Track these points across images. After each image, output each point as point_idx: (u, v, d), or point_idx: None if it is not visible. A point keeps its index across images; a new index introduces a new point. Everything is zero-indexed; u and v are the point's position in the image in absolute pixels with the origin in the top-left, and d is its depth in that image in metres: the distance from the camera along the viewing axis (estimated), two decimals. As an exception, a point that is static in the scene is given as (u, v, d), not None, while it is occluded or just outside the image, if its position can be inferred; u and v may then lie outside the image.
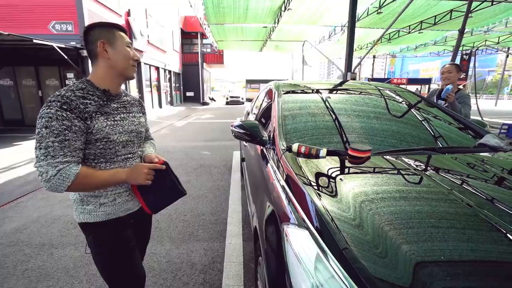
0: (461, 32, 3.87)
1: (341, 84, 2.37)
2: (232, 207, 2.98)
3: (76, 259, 2.09)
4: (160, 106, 16.19)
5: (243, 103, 22.78)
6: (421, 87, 22.96)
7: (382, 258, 0.70)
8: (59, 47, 7.03)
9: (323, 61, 17.69)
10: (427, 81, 24.20)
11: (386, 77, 28.82)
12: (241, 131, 1.69)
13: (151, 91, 14.70)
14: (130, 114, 1.11)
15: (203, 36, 19.56)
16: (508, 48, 19.72)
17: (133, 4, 11.44)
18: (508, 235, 0.75)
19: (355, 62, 7.74)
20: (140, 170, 1.01)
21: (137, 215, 1.15)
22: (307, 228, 0.85)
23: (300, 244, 0.82)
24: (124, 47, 1.03)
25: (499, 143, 1.53)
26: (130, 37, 8.26)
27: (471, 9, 10.45)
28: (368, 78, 23.56)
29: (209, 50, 24.74)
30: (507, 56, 16.98)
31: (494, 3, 9.89)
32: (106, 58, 1.00)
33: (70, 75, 8.94)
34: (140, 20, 12.12)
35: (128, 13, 11.01)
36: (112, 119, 1.01)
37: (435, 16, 12.24)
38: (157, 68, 15.71)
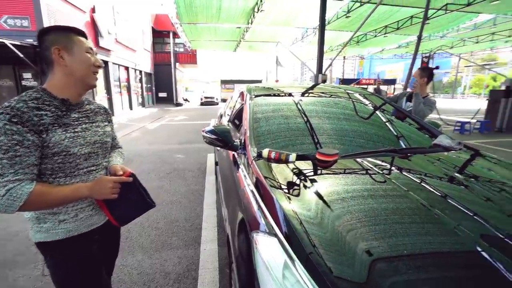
0: (419, 37, 4.16)
1: (311, 87, 2.44)
2: (207, 212, 2.94)
3: (34, 280, 1.94)
4: (131, 107, 15.52)
5: (217, 103, 22.56)
6: (387, 88, 24.35)
7: (348, 258, 0.74)
8: (13, 44, 6.45)
9: (297, 61, 18.12)
10: (393, 81, 25.75)
11: (355, 77, 30.15)
12: (213, 136, 1.67)
13: (121, 92, 14.04)
14: (94, 124, 1.04)
15: (176, 35, 19.03)
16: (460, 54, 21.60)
17: (99, 0, 10.84)
18: (455, 229, 0.83)
19: (326, 63, 8.02)
20: (105, 184, 0.95)
21: (103, 230, 1.09)
22: (276, 235, 0.87)
23: (269, 252, 0.84)
24: (84, 53, 0.96)
25: (450, 143, 1.67)
26: (95, 35, 7.73)
27: (428, 16, 11.28)
28: (339, 79, 24.49)
29: (182, 49, 24.17)
30: (459, 60, 18.60)
31: (447, 11, 10.77)
32: (62, 66, 0.92)
33: (27, 75, 8.26)
34: (107, 17, 11.51)
35: (93, 10, 10.40)
36: (72, 130, 0.94)
37: (398, 21, 13.07)
38: (127, 68, 15.03)
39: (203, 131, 1.79)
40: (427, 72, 2.59)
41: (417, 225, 0.88)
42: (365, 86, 23.78)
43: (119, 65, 13.67)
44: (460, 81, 39.84)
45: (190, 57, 24.95)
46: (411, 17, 12.39)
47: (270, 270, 0.78)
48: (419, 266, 0.72)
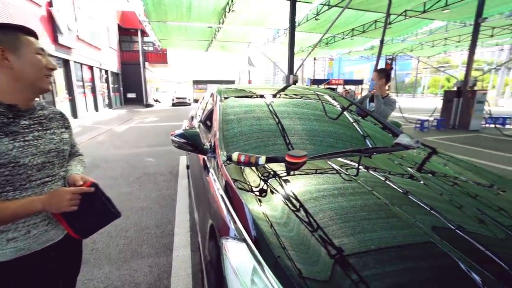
0: (381, 41, 4.42)
1: (281, 89, 2.48)
2: (179, 217, 2.86)
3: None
4: (96, 109, 14.63)
5: (190, 104, 22.07)
6: (355, 88, 25.53)
7: (318, 258, 0.76)
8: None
9: (269, 62, 18.34)
10: (360, 82, 27.07)
11: (326, 77, 31.24)
12: (182, 140, 1.63)
13: (85, 92, 13.17)
14: (48, 131, 0.95)
15: (144, 33, 18.27)
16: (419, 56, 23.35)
17: (56, -7, 10.05)
18: (414, 224, 0.89)
19: (298, 64, 8.20)
20: (62, 196, 0.87)
21: (61, 245, 1.00)
22: (245, 240, 0.87)
23: (238, 257, 0.83)
24: (33, 55, 0.87)
25: (409, 141, 1.79)
26: (53, 31, 7.19)
27: (390, 21, 12.04)
28: (310, 79, 25.20)
29: (151, 48, 23.29)
30: (418, 62, 20.12)
31: (406, 17, 11.58)
32: (8, 69, 0.84)
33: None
34: (67, 12, 10.71)
35: (50, 3, 9.62)
36: (22, 139, 0.86)
37: (363, 25, 13.78)
38: (91, 67, 14.14)
39: (171, 134, 1.73)
40: (383, 73, 2.76)
41: (382, 221, 0.93)
42: (334, 87, 24.74)
43: (81, 64, 12.82)
44: (420, 81, 43.04)
45: (160, 57, 24.12)
46: (375, 21, 13.13)
47: (239, 276, 0.78)
48: (384, 260, 0.76)
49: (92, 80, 14.37)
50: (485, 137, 7.90)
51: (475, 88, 9.25)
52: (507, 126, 10.03)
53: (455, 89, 9.58)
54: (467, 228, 0.89)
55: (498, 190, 1.24)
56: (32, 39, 0.89)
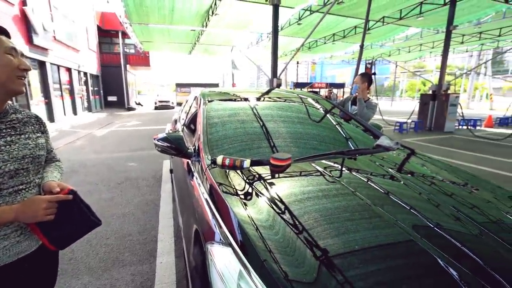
0: (361, 46, 4.58)
1: (265, 92, 2.50)
2: (163, 222, 2.79)
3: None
4: (75, 112, 14.05)
5: (173, 107, 21.70)
6: (337, 91, 26.19)
7: (303, 260, 0.76)
8: None
9: (253, 65, 18.48)
10: (342, 85, 27.81)
11: (308, 81, 31.82)
12: (165, 144, 1.60)
13: (62, 95, 12.61)
14: (22, 136, 0.90)
15: (125, 35, 17.79)
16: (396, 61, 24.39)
17: (30, -8, 9.60)
18: (396, 224, 0.92)
19: (281, 67, 8.29)
20: (37, 205, 0.82)
21: (35, 256, 0.94)
22: (230, 245, 0.86)
23: (224, 262, 0.82)
24: (3, 55, 0.82)
25: (390, 143, 1.85)
26: (27, 31, 6.89)
27: (369, 27, 12.50)
28: (293, 82, 25.59)
29: (133, 51, 22.72)
30: (396, 67, 21.00)
31: (384, 23, 12.07)
32: None
33: None
34: (42, 12, 10.25)
35: (24, 2, 9.17)
36: None
37: (344, 30, 14.19)
38: (69, 69, 13.59)
39: (154, 138, 1.69)
40: (366, 77, 2.85)
41: (365, 221, 0.95)
42: (317, 90, 25.26)
43: (59, 65, 12.29)
44: (398, 85, 44.82)
45: (142, 59, 23.59)
46: (355, 27, 13.58)
47: (224, 281, 0.77)
48: (368, 259, 0.78)
49: (70, 82, 13.80)
50: (459, 138, 8.33)
51: (449, 91, 9.76)
52: (478, 128, 10.64)
53: (430, 92, 10.06)
54: (444, 226, 0.93)
55: (471, 188, 1.31)
56: (2, 38, 0.84)
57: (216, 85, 27.44)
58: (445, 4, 9.69)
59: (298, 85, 24.76)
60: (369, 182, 1.23)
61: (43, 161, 0.98)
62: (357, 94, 2.82)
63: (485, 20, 12.70)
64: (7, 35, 0.87)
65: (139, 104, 24.74)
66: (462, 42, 17.01)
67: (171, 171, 3.15)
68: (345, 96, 3.50)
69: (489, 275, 0.73)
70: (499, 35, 15.00)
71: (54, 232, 0.90)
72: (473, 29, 14.30)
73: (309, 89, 24.49)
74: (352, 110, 2.90)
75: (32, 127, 0.97)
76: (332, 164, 1.44)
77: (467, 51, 22.43)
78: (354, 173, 1.36)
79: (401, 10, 11.00)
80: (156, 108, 21.77)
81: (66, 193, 0.90)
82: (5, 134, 0.85)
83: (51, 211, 0.85)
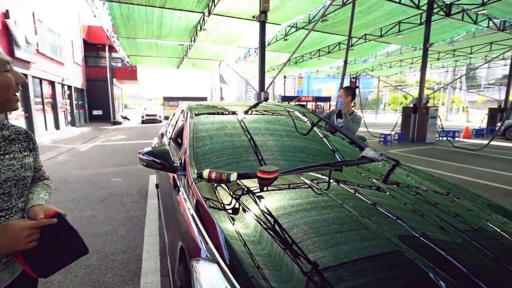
0: (345, 61, 4.76)
1: (252, 105, 2.52)
2: (148, 240, 2.69)
3: None
4: (57, 127, 13.61)
5: (161, 121, 21.48)
6: (323, 104, 26.84)
7: (292, 275, 0.74)
8: None
9: (241, 79, 18.77)
10: (327, 99, 28.57)
11: (295, 95, 32.50)
12: (150, 158, 1.56)
13: (44, 109, 12.24)
14: (7, 156, 0.81)
15: (112, 49, 17.71)
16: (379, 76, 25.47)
17: (14, 4, 9.46)
18: (383, 235, 0.92)
19: (269, 81, 8.45)
20: (17, 233, 0.72)
21: (15, 285, 0.85)
22: (216, 261, 0.84)
23: (209, 279, 0.79)
24: (2, 73, 0.73)
25: (374, 155, 1.90)
26: (9, 43, 6.73)
27: (352, 43, 13.06)
28: (281, 96, 26.06)
29: (120, 64, 22.59)
30: (379, 81, 21.91)
31: (366, 40, 12.66)
32: None
33: None
34: (25, 25, 10.09)
35: (6, 15, 9.02)
36: None
37: (329, 46, 14.75)
38: (52, 83, 13.27)
39: (139, 152, 1.66)
40: (350, 91, 2.94)
41: (353, 233, 0.95)
42: (304, 103, 25.77)
43: (41, 79, 12.00)
44: (382, 99, 46.54)
45: (129, 73, 23.45)
46: (339, 43, 14.16)
47: (210, 300, 0.74)
48: (357, 271, 0.77)
49: (53, 96, 13.45)
50: (440, 149, 8.65)
51: (428, 105, 10.20)
52: (457, 139, 11.11)
53: (411, 105, 10.48)
54: (429, 235, 0.94)
55: (453, 197, 1.34)
56: None
57: (205, 99, 27.51)
58: (421, 23, 10.32)
59: (285, 98, 25.22)
60: (356, 194, 1.24)
61: (28, 183, 0.89)
62: (342, 107, 2.90)
63: (457, 39, 13.60)
64: None
65: (125, 118, 24.34)
66: (438, 59, 18.04)
67: (157, 186, 3.08)
68: (330, 109, 3.56)
69: (473, 282, 0.74)
70: (471, 53, 16.04)
71: (37, 260, 0.80)
72: (448, 47, 15.25)
73: (296, 103, 24.97)
74: (338, 123, 2.96)
75: (19, 145, 0.87)
76: (319, 176, 1.45)
77: (443, 67, 23.78)
78: (341, 184, 1.37)
79: (381, 28, 11.61)
80: (143, 122, 21.48)
81: (51, 215, 0.81)
82: None
83: (33, 238, 0.76)
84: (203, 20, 10.29)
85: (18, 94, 0.80)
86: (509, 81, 12.65)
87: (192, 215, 1.12)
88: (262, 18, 6.71)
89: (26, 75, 10.36)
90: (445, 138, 10.45)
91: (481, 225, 1.06)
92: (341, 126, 2.85)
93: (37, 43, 11.13)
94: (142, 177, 5.01)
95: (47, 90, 12.83)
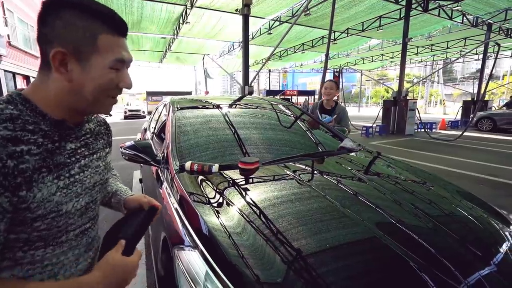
0: (326, 55, 4.85)
1: (235, 99, 2.54)
2: (133, 235, 2.67)
3: None
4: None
5: (144, 116, 20.91)
6: (308, 98, 27.16)
7: (270, 262, 0.78)
8: None
9: (226, 74, 18.64)
10: (312, 92, 28.92)
11: (280, 89, 32.65)
12: (133, 152, 1.56)
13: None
14: (95, 156, 0.65)
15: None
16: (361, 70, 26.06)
17: (-20, -5, 8.87)
18: (360, 222, 0.99)
19: (253, 75, 8.46)
20: (129, 271, 0.59)
21: None
22: (197, 247, 0.87)
23: (191, 265, 0.83)
24: (105, 69, 0.55)
25: (352, 145, 1.99)
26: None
27: (335, 38, 13.23)
28: (266, 90, 26.11)
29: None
30: (362, 75, 22.40)
31: (348, 34, 12.88)
32: (64, 77, 0.53)
33: None
34: (-7, 16, 9.51)
35: (-28, 6, 8.46)
36: (67, 174, 0.56)
37: (312, 40, 14.87)
38: (27, 77, 12.62)
39: (121, 147, 1.65)
40: (337, 84, 2.97)
41: (333, 222, 0.99)
42: (289, 97, 25.97)
43: (14, 73, 11.38)
44: (364, 92, 47.70)
45: (109, 67, 22.59)
46: (322, 37, 14.30)
47: (191, 283, 0.78)
48: (333, 259, 0.82)
49: (27, 91, 12.80)
50: (418, 140, 9.03)
51: (408, 98, 10.59)
52: (434, 130, 11.62)
53: (392, 98, 10.83)
54: (404, 221, 1.00)
55: (429, 186, 1.41)
56: (115, 40, 0.55)
57: (189, 93, 27.04)
58: (400, 18, 10.61)
59: (270, 92, 25.28)
60: (335, 183, 1.30)
61: (108, 186, 0.77)
62: (323, 99, 2.93)
63: (434, 34, 14.11)
64: (123, 32, 0.57)
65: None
66: (417, 53, 18.64)
67: (140, 180, 3.04)
68: (313, 103, 3.53)
69: (440, 261, 0.82)
70: (447, 47, 16.70)
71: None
72: (426, 42, 15.79)
73: (281, 97, 25.10)
74: (322, 117, 2.94)
75: (102, 140, 0.71)
76: (299, 166, 1.51)
77: (421, 61, 24.60)
78: (321, 174, 1.43)
79: (363, 22, 11.83)
80: (126, 117, 20.82)
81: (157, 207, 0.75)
82: (79, 156, 0.60)
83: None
84: (186, 13, 10.08)
85: (115, 99, 0.62)
86: (481, 75, 13.33)
87: (174, 206, 1.15)
88: (245, 12, 6.68)
89: None
90: (423, 130, 10.92)
91: (451, 211, 1.16)
92: (330, 122, 2.84)
93: (8, 35, 10.51)
94: (125, 173, 4.93)
95: (21, 85, 12.19)
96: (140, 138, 3.59)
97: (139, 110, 21.27)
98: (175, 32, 12.51)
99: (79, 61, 0.52)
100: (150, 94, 26.39)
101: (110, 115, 0.70)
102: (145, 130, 3.48)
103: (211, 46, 16.15)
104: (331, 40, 13.40)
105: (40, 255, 0.54)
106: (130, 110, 21.12)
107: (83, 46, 0.52)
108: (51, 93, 0.54)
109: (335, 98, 3.06)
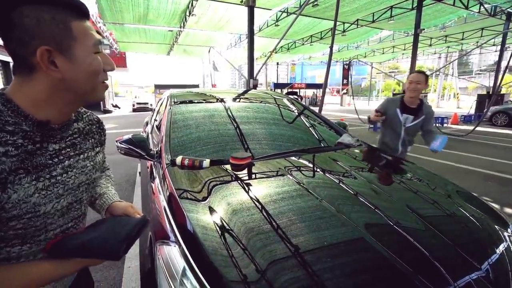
0: (330, 47, 4.74)
1: (239, 93, 2.52)
2: (134, 227, 2.73)
3: None
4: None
5: (152, 109, 21.14)
6: (316, 91, 26.78)
7: (251, 262, 0.77)
8: None
9: (235, 66, 18.56)
10: (320, 86, 28.51)
11: (288, 82, 32.30)
12: (128, 146, 1.58)
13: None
14: (81, 156, 0.65)
15: (99, 35, 17.11)
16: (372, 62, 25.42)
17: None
18: (348, 223, 0.97)
19: (258, 68, 8.38)
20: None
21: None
22: (178, 243, 0.87)
23: (170, 260, 0.84)
24: (90, 55, 0.55)
25: (350, 141, 1.94)
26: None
27: (344, 29, 12.90)
28: (274, 83, 25.87)
29: (108, 51, 21.93)
30: (372, 68, 21.84)
31: (358, 26, 12.52)
32: (54, 79, 0.52)
33: None
34: None
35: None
36: (48, 175, 0.55)
37: (321, 32, 14.55)
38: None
39: (117, 140, 1.67)
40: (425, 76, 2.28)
41: (322, 221, 0.97)
42: (297, 90, 25.68)
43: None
44: (375, 85, 46.67)
45: (118, 60, 22.80)
46: (331, 29, 13.94)
47: (168, 278, 0.78)
48: (317, 259, 0.79)
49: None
50: (428, 135, 8.80)
51: (418, 91, 10.28)
52: (445, 125, 11.31)
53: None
54: (395, 222, 0.97)
55: (426, 185, 1.36)
56: (85, 24, 0.55)
57: (197, 86, 27.09)
58: (412, 8, 10.21)
59: (278, 85, 25.04)
60: (327, 181, 1.28)
61: (96, 185, 0.77)
62: (409, 97, 2.27)
63: (449, 24, 13.55)
64: (87, 16, 0.56)
65: (116, 106, 23.91)
66: (430, 45, 18.00)
67: (139, 173, 3.08)
68: (387, 98, 2.67)
69: (432, 265, 0.80)
70: (462, 38, 16.05)
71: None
72: (439, 33, 15.20)
73: (289, 90, 24.83)
74: (403, 118, 2.34)
75: (93, 140, 0.71)
76: (292, 162, 1.49)
77: (435, 53, 23.77)
78: (314, 172, 1.41)
79: (373, 13, 11.46)
80: (134, 110, 21.12)
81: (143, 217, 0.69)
82: (63, 157, 0.59)
83: None
84: (192, 5, 10.00)
85: (107, 81, 0.62)
86: (498, 67, 12.79)
87: (162, 201, 1.15)
88: (250, 3, 6.56)
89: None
90: (434, 125, 10.63)
91: (446, 212, 1.12)
92: (413, 125, 2.36)
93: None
94: (130, 166, 5.02)
95: None
96: (142, 132, 3.63)
97: (147, 103, 21.52)
98: (182, 25, 12.46)
99: (65, 55, 0.52)
100: (158, 87, 26.56)
101: (103, 98, 0.65)
102: (147, 123, 3.51)
103: (218, 39, 16.03)
104: (340, 32, 13.10)
105: (16, 252, 0.55)
106: (138, 103, 21.40)
107: (63, 38, 0.51)
108: (38, 94, 0.53)
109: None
